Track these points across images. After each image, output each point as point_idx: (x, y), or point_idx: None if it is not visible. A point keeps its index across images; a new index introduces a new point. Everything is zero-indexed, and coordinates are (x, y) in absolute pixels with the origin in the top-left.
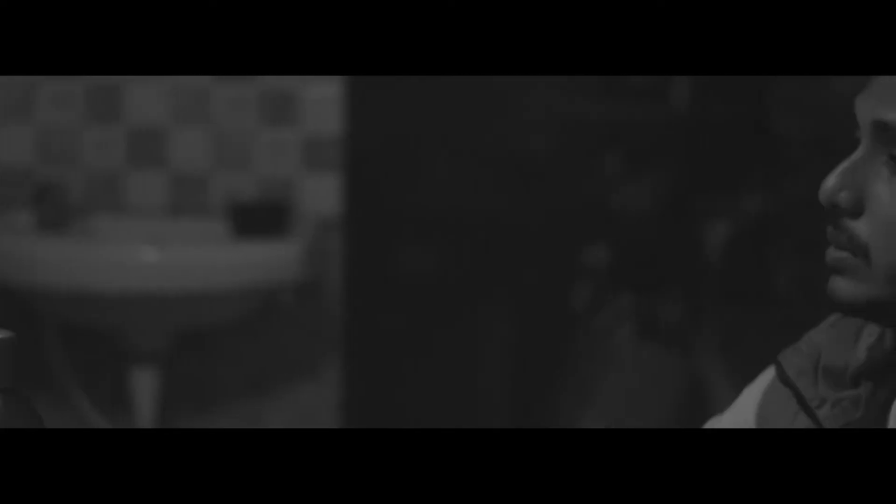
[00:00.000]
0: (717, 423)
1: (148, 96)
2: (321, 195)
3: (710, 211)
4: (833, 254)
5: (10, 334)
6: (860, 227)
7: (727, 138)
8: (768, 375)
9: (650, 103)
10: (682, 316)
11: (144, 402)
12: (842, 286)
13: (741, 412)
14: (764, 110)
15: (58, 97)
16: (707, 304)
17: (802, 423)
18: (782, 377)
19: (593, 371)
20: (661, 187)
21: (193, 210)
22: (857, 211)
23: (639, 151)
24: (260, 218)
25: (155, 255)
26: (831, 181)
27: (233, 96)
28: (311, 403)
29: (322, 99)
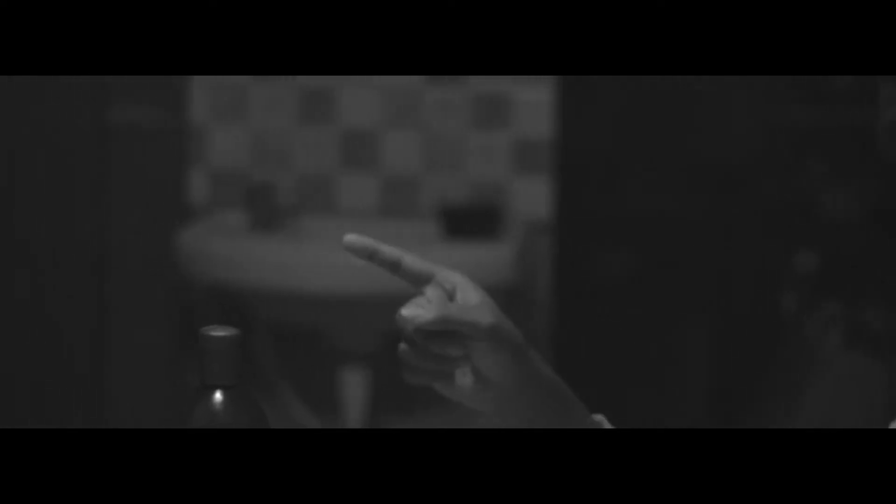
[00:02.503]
0: None
1: (360, 99)
2: (531, 198)
3: None
4: None
5: (236, 332)
6: None
7: None
8: None
9: (857, 107)
10: (892, 324)
11: (353, 403)
12: None
13: None
14: None
15: (271, 100)
16: None
17: None
18: None
19: (799, 377)
20: (870, 193)
21: (404, 212)
22: None
23: (846, 157)
24: (471, 220)
25: None
26: None
27: (445, 99)
28: None
29: (533, 102)
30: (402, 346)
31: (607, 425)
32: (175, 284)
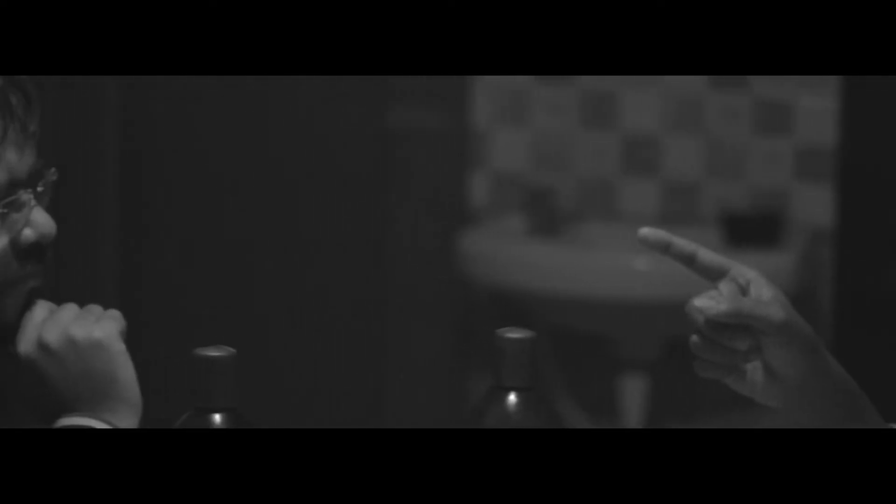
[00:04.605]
0: None
1: (642, 104)
2: (814, 206)
3: None
4: None
5: (532, 334)
6: None
7: None
8: None
9: None
10: None
11: (632, 409)
12: None
13: None
14: None
15: (553, 103)
16: None
17: None
18: None
19: None
20: None
21: (685, 219)
22: None
23: None
24: (753, 228)
25: (647, 263)
26: None
27: (727, 105)
28: None
29: (817, 109)
30: (694, 337)
31: None
32: (456, 287)
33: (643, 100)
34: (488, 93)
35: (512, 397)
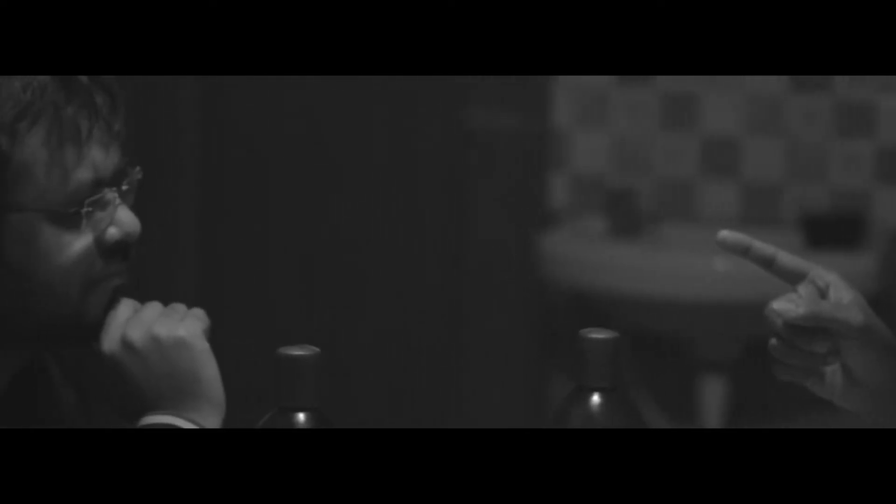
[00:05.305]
0: None
1: (722, 105)
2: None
3: None
4: None
5: (615, 334)
6: None
7: None
8: None
9: None
10: None
11: (711, 410)
12: None
13: None
14: None
15: (633, 104)
16: None
17: None
18: None
19: None
20: None
21: (765, 220)
22: None
23: None
24: (833, 230)
25: (726, 264)
26: None
27: (808, 106)
28: None
29: None
30: (773, 341)
31: None
32: (537, 288)
33: (723, 101)
34: (568, 94)
35: (595, 398)
